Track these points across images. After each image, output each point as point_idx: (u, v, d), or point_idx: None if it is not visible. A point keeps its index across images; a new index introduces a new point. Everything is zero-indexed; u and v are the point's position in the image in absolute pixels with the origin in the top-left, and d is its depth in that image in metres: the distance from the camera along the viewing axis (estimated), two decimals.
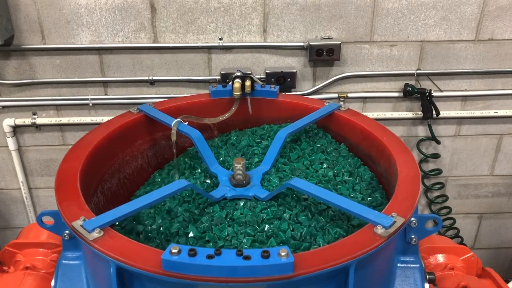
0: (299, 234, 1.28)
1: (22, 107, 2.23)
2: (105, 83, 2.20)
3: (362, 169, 1.57)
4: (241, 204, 1.39)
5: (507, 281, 1.66)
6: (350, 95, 2.24)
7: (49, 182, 2.42)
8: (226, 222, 1.32)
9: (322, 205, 1.37)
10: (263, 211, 1.35)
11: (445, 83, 2.28)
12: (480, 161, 2.49)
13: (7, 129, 2.23)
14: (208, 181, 1.53)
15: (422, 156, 2.38)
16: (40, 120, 2.24)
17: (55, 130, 2.29)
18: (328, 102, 1.76)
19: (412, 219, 1.23)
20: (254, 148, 1.67)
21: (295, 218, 1.33)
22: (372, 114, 2.28)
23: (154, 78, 2.17)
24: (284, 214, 1.34)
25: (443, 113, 2.28)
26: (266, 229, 1.30)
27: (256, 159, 1.61)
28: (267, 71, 2.14)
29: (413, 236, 1.27)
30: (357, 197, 1.43)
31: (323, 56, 2.10)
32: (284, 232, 1.28)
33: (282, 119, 1.81)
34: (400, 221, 1.13)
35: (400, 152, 1.44)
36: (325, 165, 1.56)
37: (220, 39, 2.12)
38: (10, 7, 2.02)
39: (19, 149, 2.32)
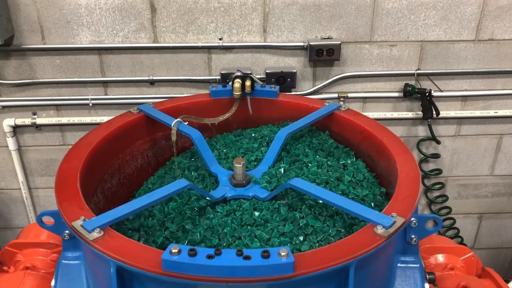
0: (298, 234, 1.28)
1: (22, 107, 2.23)
2: (105, 83, 2.20)
3: (362, 169, 1.57)
4: (241, 204, 1.39)
5: (507, 281, 1.66)
6: (350, 95, 2.24)
7: (49, 182, 2.42)
8: (226, 222, 1.32)
9: (309, 200, 1.37)
10: (262, 211, 1.35)
11: (445, 83, 2.28)
12: (480, 161, 2.49)
13: (7, 129, 2.24)
14: (208, 181, 1.53)
15: (422, 156, 2.38)
16: (40, 120, 2.24)
17: (55, 130, 2.29)
18: (328, 102, 1.76)
19: (412, 219, 1.23)
20: (254, 148, 1.67)
21: (294, 218, 1.33)
22: (372, 114, 2.28)
23: (154, 78, 2.17)
24: (284, 214, 1.34)
25: (443, 113, 2.28)
26: (265, 229, 1.30)
27: (256, 159, 1.61)
28: (267, 71, 2.14)
29: (413, 236, 1.27)
30: (358, 197, 1.43)
31: (323, 56, 2.10)
32: (284, 232, 1.28)
33: (282, 119, 1.81)
34: (400, 221, 1.13)
35: (400, 152, 1.44)
36: (322, 165, 1.55)
37: (220, 39, 2.12)
38: (10, 7, 2.02)
39: (19, 149, 2.32)
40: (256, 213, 1.35)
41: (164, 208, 1.39)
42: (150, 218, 1.36)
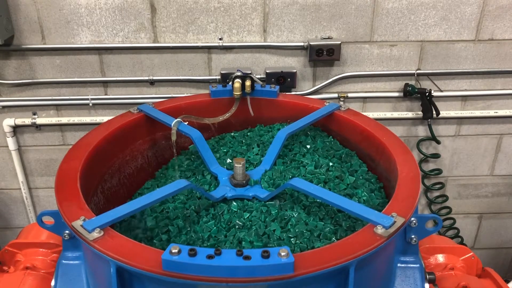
0: (298, 233, 1.28)
1: (22, 107, 2.23)
2: (105, 83, 2.20)
3: (362, 168, 1.57)
4: (241, 204, 1.39)
5: (507, 281, 1.66)
6: (350, 95, 2.24)
7: (49, 182, 2.42)
8: (212, 229, 1.32)
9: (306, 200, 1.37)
10: (252, 213, 1.35)
11: (445, 83, 2.28)
12: (480, 161, 2.49)
13: (7, 129, 2.24)
14: (208, 181, 1.53)
15: (422, 156, 2.38)
16: (40, 120, 2.24)
17: (55, 130, 2.29)
18: (328, 102, 1.76)
19: (412, 219, 1.23)
20: (254, 148, 1.67)
21: (283, 218, 1.33)
22: (372, 114, 2.28)
23: (154, 78, 2.17)
24: (284, 214, 1.34)
25: (443, 113, 2.28)
26: (266, 229, 1.29)
27: (256, 159, 1.61)
28: (267, 71, 2.14)
29: (413, 236, 1.27)
30: (357, 197, 1.43)
31: (323, 56, 2.10)
32: (284, 232, 1.28)
33: (282, 119, 1.81)
34: (400, 221, 1.13)
35: (400, 152, 1.44)
36: (322, 165, 1.55)
37: (220, 39, 2.12)
38: (10, 7, 2.02)
39: (19, 149, 2.32)
40: (246, 215, 1.34)
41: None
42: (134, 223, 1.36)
